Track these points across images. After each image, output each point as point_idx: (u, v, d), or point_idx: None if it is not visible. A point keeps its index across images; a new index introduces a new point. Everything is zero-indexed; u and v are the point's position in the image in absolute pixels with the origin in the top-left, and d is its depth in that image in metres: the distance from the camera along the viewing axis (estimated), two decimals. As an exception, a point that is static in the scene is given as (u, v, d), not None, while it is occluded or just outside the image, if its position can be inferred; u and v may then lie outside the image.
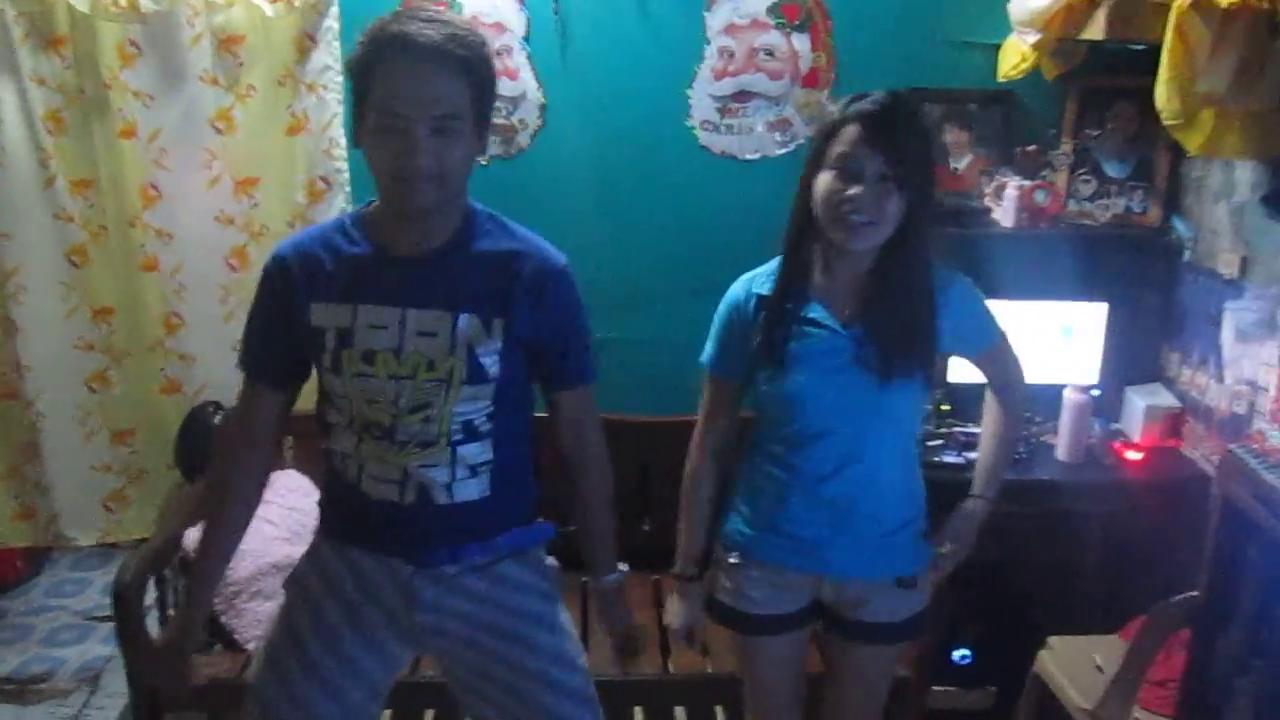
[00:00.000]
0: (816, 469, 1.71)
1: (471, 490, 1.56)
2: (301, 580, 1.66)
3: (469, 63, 1.41)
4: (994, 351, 1.80)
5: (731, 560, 1.81)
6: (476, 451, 1.55)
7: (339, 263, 1.52)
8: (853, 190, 1.56)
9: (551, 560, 1.71)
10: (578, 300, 1.58)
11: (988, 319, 1.78)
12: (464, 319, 1.49)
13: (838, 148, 1.58)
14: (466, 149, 1.44)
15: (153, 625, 2.46)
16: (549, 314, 1.54)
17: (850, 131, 1.57)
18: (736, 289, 1.78)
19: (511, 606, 1.62)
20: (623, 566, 1.78)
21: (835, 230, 1.61)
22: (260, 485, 1.66)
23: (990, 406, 1.87)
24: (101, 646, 3.00)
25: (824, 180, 1.60)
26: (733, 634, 1.88)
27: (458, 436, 1.53)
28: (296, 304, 1.53)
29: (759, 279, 1.76)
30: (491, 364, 1.50)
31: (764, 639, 1.84)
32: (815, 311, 1.69)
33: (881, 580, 1.77)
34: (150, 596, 2.41)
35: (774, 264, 1.75)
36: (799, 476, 1.73)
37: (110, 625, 2.59)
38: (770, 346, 1.69)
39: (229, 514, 1.62)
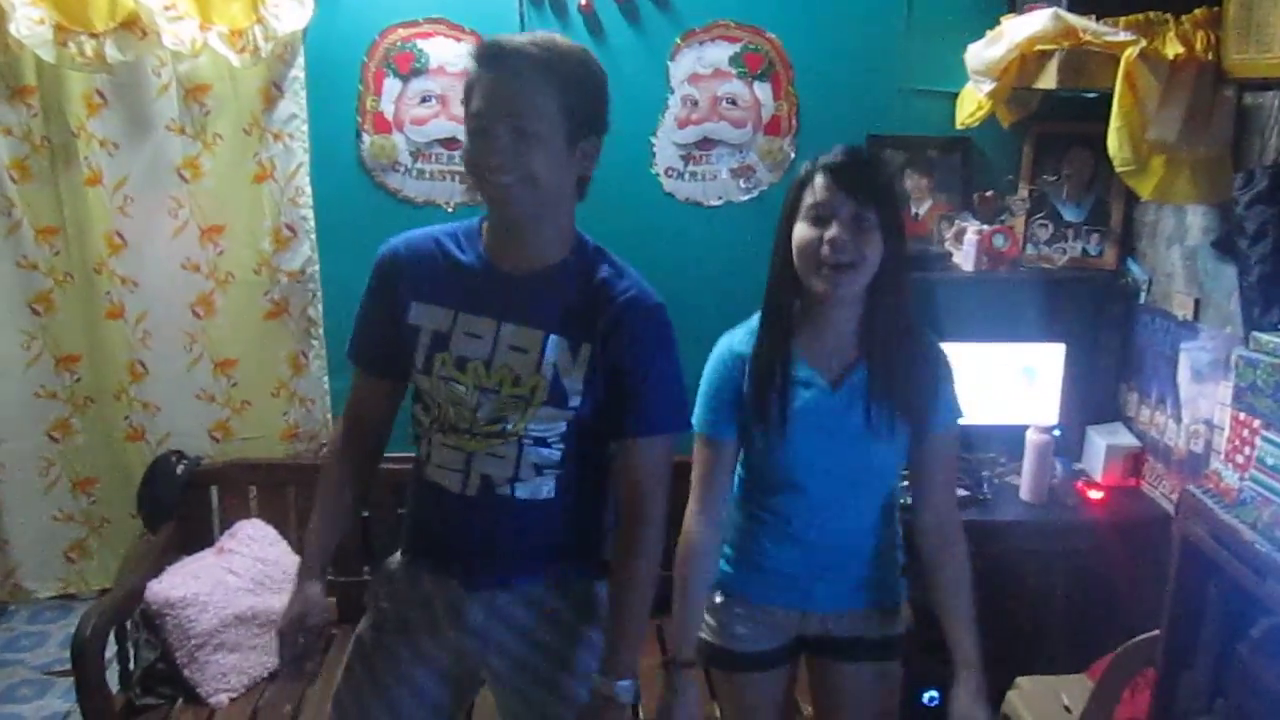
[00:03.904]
0: (800, 517, 1.73)
1: (535, 489, 1.55)
2: (374, 596, 1.70)
3: (557, 71, 1.42)
4: (951, 436, 1.74)
5: (716, 599, 1.81)
6: (545, 455, 1.55)
7: (448, 267, 1.55)
8: (829, 233, 1.59)
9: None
10: (667, 341, 1.54)
11: (956, 399, 1.74)
12: (554, 340, 1.51)
13: (809, 199, 1.62)
14: (554, 158, 1.44)
15: (113, 679, 2.40)
16: (631, 347, 1.51)
17: (819, 181, 1.61)
18: (720, 349, 1.75)
19: (553, 648, 1.61)
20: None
21: (816, 279, 1.61)
22: (365, 479, 1.70)
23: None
24: (60, 702, 2.93)
25: (799, 230, 1.63)
26: (717, 673, 1.89)
27: (528, 441, 1.54)
28: (400, 298, 1.56)
29: (740, 338, 1.74)
30: (574, 393, 1.51)
31: (749, 675, 1.83)
32: (803, 371, 1.69)
33: (865, 610, 1.79)
34: (111, 650, 2.36)
35: (754, 321, 1.74)
36: (782, 522, 1.74)
37: (69, 680, 2.53)
38: (763, 408, 1.68)
39: (336, 501, 1.67)
